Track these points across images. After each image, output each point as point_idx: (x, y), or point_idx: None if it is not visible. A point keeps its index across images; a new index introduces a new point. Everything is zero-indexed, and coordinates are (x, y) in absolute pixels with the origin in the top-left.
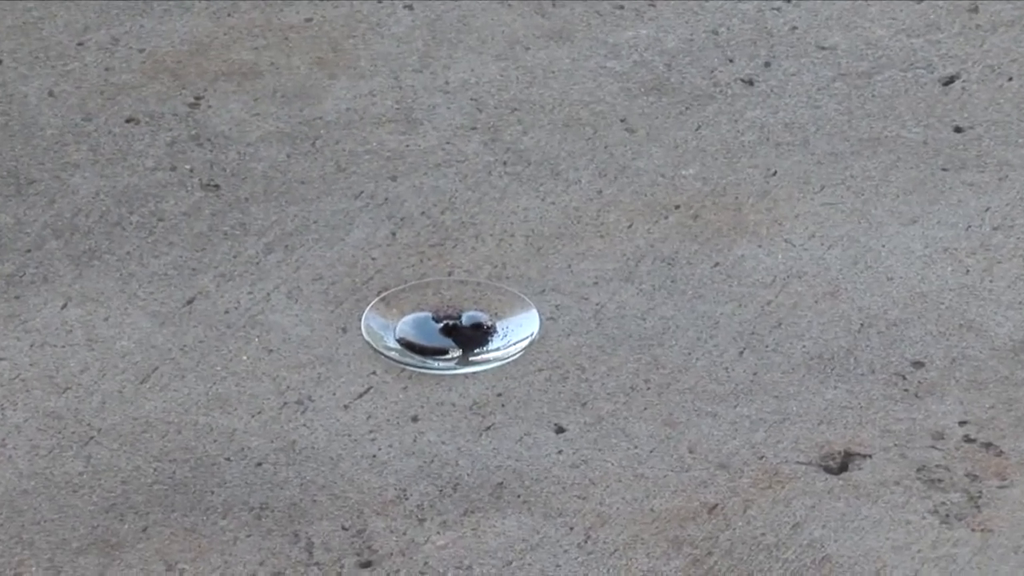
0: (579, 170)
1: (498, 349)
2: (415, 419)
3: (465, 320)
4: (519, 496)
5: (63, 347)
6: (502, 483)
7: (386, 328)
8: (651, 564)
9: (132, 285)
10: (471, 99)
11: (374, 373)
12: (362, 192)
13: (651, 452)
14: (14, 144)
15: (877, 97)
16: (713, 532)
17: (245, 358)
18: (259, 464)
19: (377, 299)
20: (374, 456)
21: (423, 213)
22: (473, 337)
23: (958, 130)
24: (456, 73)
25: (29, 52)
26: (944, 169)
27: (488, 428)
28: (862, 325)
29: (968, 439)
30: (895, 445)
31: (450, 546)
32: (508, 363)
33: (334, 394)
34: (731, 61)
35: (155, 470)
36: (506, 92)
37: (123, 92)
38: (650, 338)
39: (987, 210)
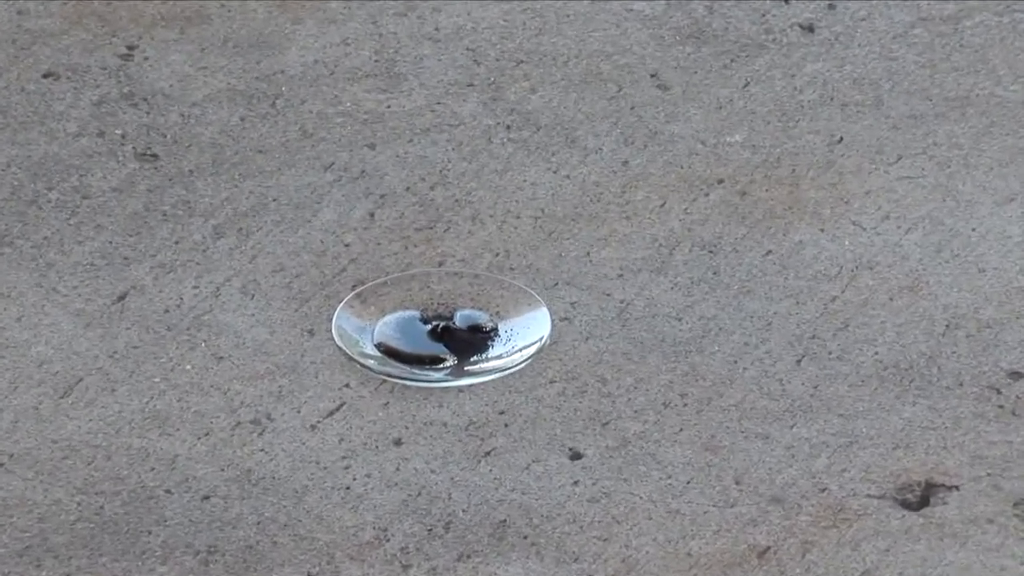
0: (600, 136)
1: (500, 357)
2: (398, 442)
3: (460, 321)
4: (526, 537)
5: None
6: (505, 521)
7: (363, 331)
8: None
9: (51, 277)
10: (467, 49)
11: (347, 386)
12: (333, 163)
13: (688, 483)
14: None
15: (966, 47)
16: None
17: (189, 367)
18: (206, 498)
19: (352, 295)
20: (348, 488)
21: (408, 189)
22: (470, 342)
23: None
24: (448, 17)
25: None
26: None
27: (488, 453)
28: (948, 327)
29: None
30: (987, 474)
31: None
32: (512, 374)
33: (299, 412)
34: (787, 2)
35: (79, 504)
36: (510, 41)
37: (40, 41)
38: (687, 343)
39: None
